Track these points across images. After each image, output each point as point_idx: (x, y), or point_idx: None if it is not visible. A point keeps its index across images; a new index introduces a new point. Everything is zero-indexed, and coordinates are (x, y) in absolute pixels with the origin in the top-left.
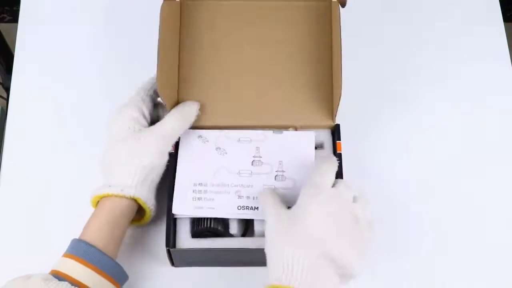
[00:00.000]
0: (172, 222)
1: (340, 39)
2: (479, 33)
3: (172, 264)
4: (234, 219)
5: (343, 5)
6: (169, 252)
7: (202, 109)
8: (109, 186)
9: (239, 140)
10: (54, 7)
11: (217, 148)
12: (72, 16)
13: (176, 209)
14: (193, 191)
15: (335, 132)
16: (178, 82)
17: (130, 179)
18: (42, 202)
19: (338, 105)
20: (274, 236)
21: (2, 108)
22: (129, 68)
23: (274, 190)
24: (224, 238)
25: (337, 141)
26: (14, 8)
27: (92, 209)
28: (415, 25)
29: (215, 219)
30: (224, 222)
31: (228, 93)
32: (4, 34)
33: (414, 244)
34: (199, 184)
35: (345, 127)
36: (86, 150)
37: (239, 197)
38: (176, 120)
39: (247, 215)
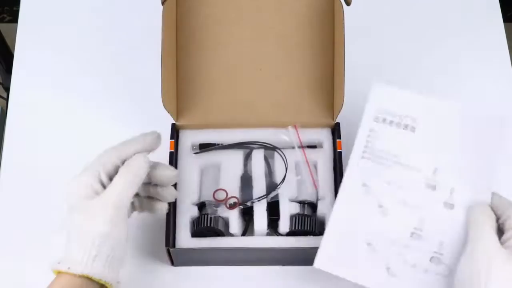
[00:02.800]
0: (172, 222)
1: (344, 40)
2: (479, 33)
3: (172, 263)
4: (234, 217)
5: (348, 3)
6: (168, 251)
7: (201, 107)
8: (58, 262)
9: (404, 203)
10: (54, 7)
11: (379, 206)
12: (72, 16)
13: (319, 263)
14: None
15: (335, 131)
16: (177, 81)
17: (80, 254)
18: (42, 202)
19: (341, 107)
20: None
21: (2, 108)
22: (128, 69)
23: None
24: (224, 237)
25: (338, 140)
26: (14, 8)
27: None
28: (416, 25)
29: (215, 218)
30: (225, 221)
31: (227, 90)
32: (4, 34)
33: None
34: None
35: (345, 125)
36: (86, 150)
37: (387, 268)
38: (123, 183)
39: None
